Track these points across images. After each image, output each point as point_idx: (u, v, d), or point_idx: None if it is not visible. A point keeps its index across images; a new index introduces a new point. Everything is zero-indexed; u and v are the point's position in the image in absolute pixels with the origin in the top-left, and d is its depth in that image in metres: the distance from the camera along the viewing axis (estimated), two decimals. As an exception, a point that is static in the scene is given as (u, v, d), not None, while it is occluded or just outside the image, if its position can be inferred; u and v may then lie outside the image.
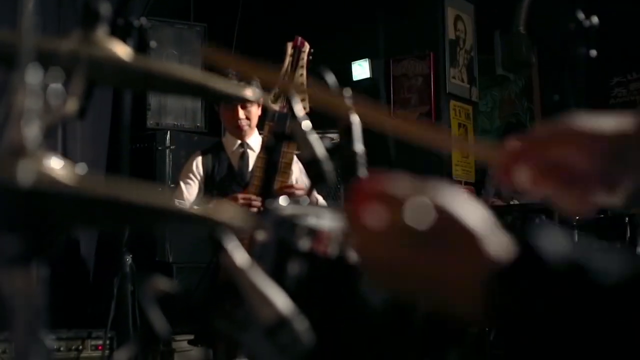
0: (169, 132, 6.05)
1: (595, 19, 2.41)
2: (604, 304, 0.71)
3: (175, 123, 6.36)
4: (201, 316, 1.28)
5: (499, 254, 0.77)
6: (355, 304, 1.39)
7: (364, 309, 1.38)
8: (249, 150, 4.29)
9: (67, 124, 5.60)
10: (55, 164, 0.86)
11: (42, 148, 0.87)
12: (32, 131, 0.88)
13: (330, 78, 1.73)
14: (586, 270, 0.74)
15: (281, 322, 1.13)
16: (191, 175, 4.25)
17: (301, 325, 1.15)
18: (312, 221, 1.43)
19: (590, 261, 0.74)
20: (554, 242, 0.76)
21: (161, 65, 1.21)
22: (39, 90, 0.90)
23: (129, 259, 4.45)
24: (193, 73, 1.16)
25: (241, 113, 4.17)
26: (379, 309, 1.40)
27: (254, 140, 4.28)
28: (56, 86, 0.92)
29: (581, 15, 2.41)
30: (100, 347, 4.67)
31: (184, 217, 0.85)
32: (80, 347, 4.65)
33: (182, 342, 5.12)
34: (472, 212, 0.82)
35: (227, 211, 0.84)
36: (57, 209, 0.81)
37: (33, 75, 0.90)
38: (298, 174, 4.15)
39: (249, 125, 4.23)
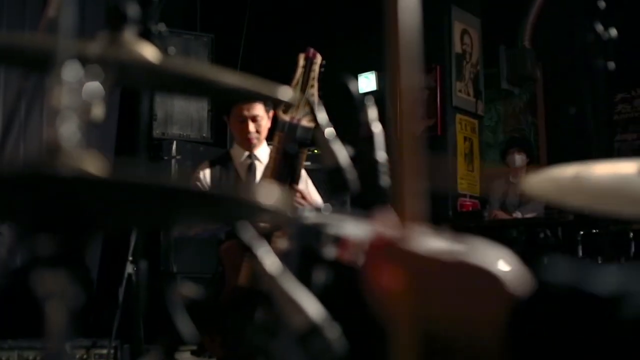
0: (175, 142, 6.03)
1: (614, 31, 2.39)
2: (600, 318, 0.79)
3: (181, 133, 6.34)
4: (227, 322, 1.26)
5: (517, 290, 0.83)
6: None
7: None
8: (256, 162, 4.27)
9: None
10: (92, 159, 0.84)
11: (80, 145, 0.85)
12: (69, 129, 0.86)
13: (354, 86, 1.72)
14: (584, 292, 0.81)
15: (313, 330, 1.11)
16: (198, 184, 4.21)
17: (333, 332, 1.13)
18: (337, 229, 1.41)
19: (587, 283, 0.81)
20: (560, 274, 0.83)
21: (191, 67, 1.19)
22: (76, 88, 0.88)
23: (133, 268, 4.44)
24: (225, 76, 1.15)
25: (251, 126, 4.16)
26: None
27: (262, 152, 4.26)
28: (93, 84, 0.90)
29: (600, 27, 2.39)
30: (105, 357, 4.65)
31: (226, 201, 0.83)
32: (85, 356, 4.62)
33: (185, 353, 5.09)
34: (494, 255, 0.86)
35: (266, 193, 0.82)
36: (94, 202, 0.79)
37: (70, 73, 0.88)
38: (304, 187, 4.12)
39: (258, 139, 4.22)
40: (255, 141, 4.20)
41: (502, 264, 0.86)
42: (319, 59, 3.40)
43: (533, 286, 0.82)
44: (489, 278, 0.84)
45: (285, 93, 1.19)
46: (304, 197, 3.73)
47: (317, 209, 3.76)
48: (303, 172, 3.79)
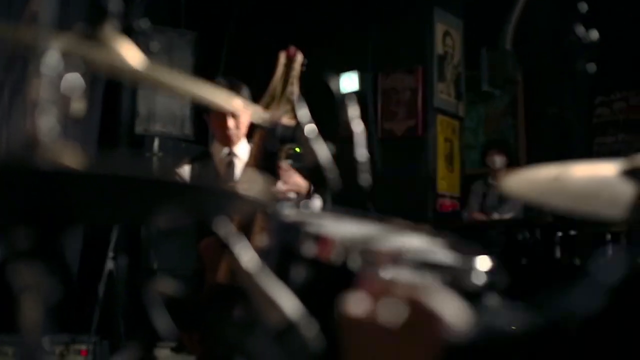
0: (157, 138, 6.01)
1: (595, 34, 2.40)
2: None
3: (164, 130, 6.32)
4: (206, 320, 1.26)
5: (455, 332, 0.85)
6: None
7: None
8: (235, 159, 4.26)
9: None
10: (70, 153, 0.84)
11: (58, 138, 0.85)
12: (47, 122, 0.86)
13: (336, 85, 1.72)
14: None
15: (289, 327, 1.11)
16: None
17: (310, 330, 1.13)
18: (317, 227, 1.41)
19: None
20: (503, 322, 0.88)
21: (160, 73, 1.19)
22: (55, 81, 0.88)
23: (114, 264, 4.42)
24: (187, 83, 1.15)
25: (231, 123, 4.13)
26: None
27: (242, 149, 4.25)
28: (73, 77, 0.90)
29: (581, 30, 2.41)
30: (84, 352, 4.62)
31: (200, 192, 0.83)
32: (64, 352, 4.60)
33: (164, 350, 5.07)
34: (448, 305, 0.88)
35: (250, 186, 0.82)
36: (73, 195, 0.79)
37: (50, 66, 0.88)
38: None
39: (237, 135, 4.20)
40: (234, 137, 4.18)
41: (449, 306, 0.88)
42: (300, 57, 3.40)
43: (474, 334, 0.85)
44: (432, 321, 0.86)
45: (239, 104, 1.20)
46: (286, 175, 3.72)
47: (301, 193, 3.76)
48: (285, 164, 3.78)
